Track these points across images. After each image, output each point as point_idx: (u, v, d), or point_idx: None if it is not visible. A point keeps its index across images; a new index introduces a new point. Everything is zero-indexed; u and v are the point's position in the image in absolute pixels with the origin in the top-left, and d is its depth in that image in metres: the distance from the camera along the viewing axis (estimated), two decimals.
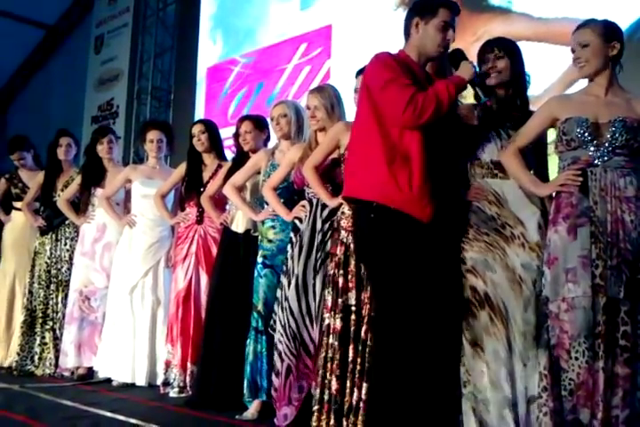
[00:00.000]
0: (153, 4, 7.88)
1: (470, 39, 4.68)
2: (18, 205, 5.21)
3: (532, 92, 3.93)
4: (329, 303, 2.98)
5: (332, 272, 3.01)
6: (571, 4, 4.13)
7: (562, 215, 2.43)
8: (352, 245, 2.94)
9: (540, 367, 2.40)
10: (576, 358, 2.31)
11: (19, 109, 10.08)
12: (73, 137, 5.09)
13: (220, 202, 4.03)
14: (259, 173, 3.69)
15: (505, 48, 2.72)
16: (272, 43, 6.18)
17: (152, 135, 4.51)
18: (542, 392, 2.37)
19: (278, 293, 3.30)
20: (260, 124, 3.89)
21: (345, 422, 2.83)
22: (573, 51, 2.55)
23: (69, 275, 4.78)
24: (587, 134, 2.42)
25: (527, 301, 2.51)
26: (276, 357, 3.20)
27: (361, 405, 2.80)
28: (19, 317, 5.00)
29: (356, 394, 2.83)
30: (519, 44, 4.32)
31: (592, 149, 2.41)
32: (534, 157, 2.66)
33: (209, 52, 6.98)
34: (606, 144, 2.40)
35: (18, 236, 5.20)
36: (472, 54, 2.91)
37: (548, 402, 2.34)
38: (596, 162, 2.41)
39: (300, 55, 5.86)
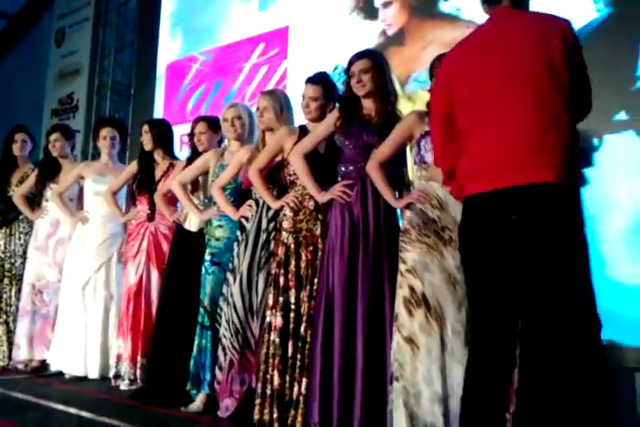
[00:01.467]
0: None
1: (420, 45, 4.84)
2: None
3: None
4: (270, 301, 3.12)
5: (273, 271, 3.15)
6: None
7: None
8: (292, 246, 3.09)
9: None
10: None
11: None
12: (28, 133, 5.13)
13: (172, 200, 4.13)
14: (207, 172, 3.80)
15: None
16: (231, 41, 6.26)
17: (105, 132, 4.60)
18: None
19: (224, 289, 3.43)
20: (214, 125, 3.98)
21: (285, 415, 2.97)
22: None
23: (23, 269, 4.85)
24: None
25: (461, 302, 2.65)
26: (219, 351, 3.33)
27: (301, 399, 2.95)
28: None
29: (296, 389, 2.98)
30: None
31: None
32: (397, 167, 2.95)
33: (169, 48, 7.04)
34: None
35: None
36: (424, 61, 3.08)
37: None
38: None
39: (257, 55, 5.96)
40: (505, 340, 2.18)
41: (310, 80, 3.35)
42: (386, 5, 5.13)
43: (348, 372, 2.85)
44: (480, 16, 4.49)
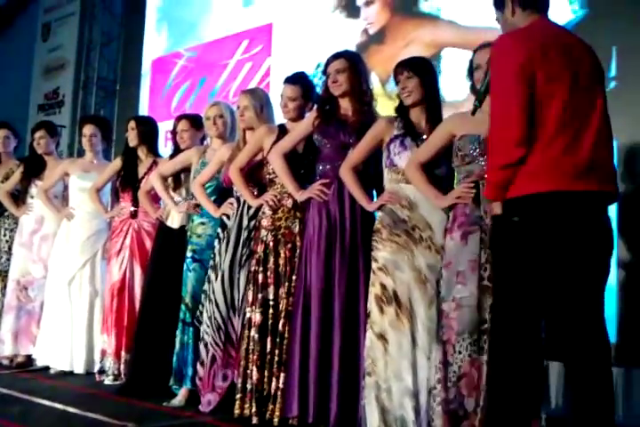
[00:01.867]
0: None
1: (400, 43, 4.89)
2: None
3: (457, 96, 4.18)
4: (250, 298, 3.21)
5: (253, 269, 3.23)
6: (493, 14, 4.35)
7: (457, 224, 2.67)
8: (271, 244, 3.17)
9: (436, 361, 2.64)
10: (459, 353, 2.55)
11: None
12: (11, 128, 5.17)
13: (156, 197, 4.19)
14: (189, 169, 3.86)
15: (413, 68, 2.92)
16: (215, 38, 6.28)
17: (86, 130, 4.66)
18: (437, 384, 2.61)
19: (206, 286, 3.50)
20: (196, 123, 4.04)
21: (264, 409, 3.05)
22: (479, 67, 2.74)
23: (8, 265, 4.89)
24: (478, 150, 2.64)
25: (431, 299, 2.74)
26: (201, 347, 3.41)
27: (278, 393, 3.03)
28: None
29: (274, 384, 3.06)
30: (445, 50, 4.61)
31: (483, 163, 2.63)
32: (446, 166, 2.85)
33: (154, 43, 7.06)
34: None
35: None
36: (401, 58, 3.11)
37: (441, 392, 2.58)
38: (486, 175, 2.63)
39: (241, 51, 5.98)
40: (533, 340, 2.24)
41: (288, 80, 3.41)
42: (367, 4, 5.17)
43: (325, 367, 2.93)
44: (459, 16, 4.58)
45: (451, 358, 2.57)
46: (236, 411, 3.13)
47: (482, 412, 2.49)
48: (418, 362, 2.73)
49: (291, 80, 3.40)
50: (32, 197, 4.86)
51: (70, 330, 4.45)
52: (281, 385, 3.04)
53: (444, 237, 2.74)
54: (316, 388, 2.92)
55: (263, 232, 3.25)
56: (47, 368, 4.50)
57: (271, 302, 3.16)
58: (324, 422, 2.91)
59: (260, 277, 3.20)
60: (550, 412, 2.72)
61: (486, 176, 2.36)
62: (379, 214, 2.92)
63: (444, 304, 2.63)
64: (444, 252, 2.70)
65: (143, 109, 6.97)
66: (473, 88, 2.78)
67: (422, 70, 2.93)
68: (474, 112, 2.52)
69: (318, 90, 3.41)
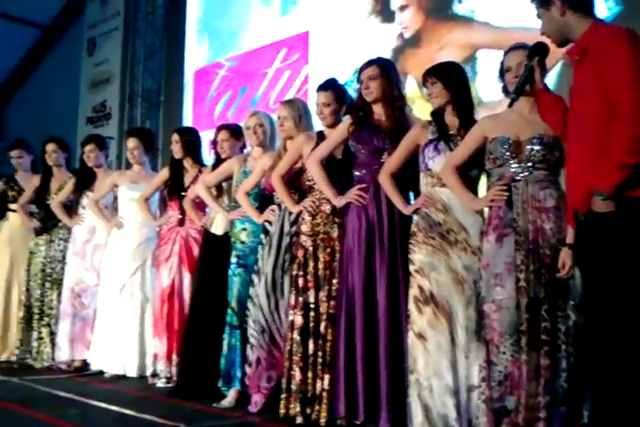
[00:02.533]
0: (142, 8, 8.10)
1: (435, 46, 4.94)
2: (13, 206, 5.51)
3: (493, 97, 4.20)
4: (292, 301, 3.30)
5: (294, 273, 3.33)
6: (529, 14, 4.36)
7: (492, 227, 2.71)
8: (310, 249, 3.26)
9: (479, 360, 2.69)
10: (503, 353, 2.58)
11: (16, 109, 10.30)
12: (59, 142, 5.34)
13: (201, 205, 4.31)
14: (231, 177, 3.97)
15: (437, 74, 2.98)
16: (255, 47, 6.43)
17: (129, 143, 4.83)
18: (481, 382, 2.66)
19: (251, 290, 3.60)
20: (236, 132, 4.14)
21: (309, 410, 3.14)
22: (509, 69, 2.78)
23: (63, 274, 5.07)
24: (509, 153, 2.68)
25: (469, 299, 2.80)
26: (248, 349, 3.52)
27: (324, 394, 3.11)
28: (14, 313, 5.34)
29: (318, 385, 3.15)
30: (480, 51, 4.64)
31: (514, 165, 2.68)
32: (478, 169, 2.90)
33: (196, 54, 7.24)
34: (526, 160, 2.66)
35: (14, 235, 5.48)
36: (437, 60, 3.18)
37: (485, 391, 2.63)
38: (518, 177, 2.67)
39: (280, 60, 6.11)
40: None
41: (320, 87, 3.50)
42: (402, 9, 5.24)
43: (371, 367, 3.00)
44: (493, 18, 4.60)
45: (495, 358, 2.61)
46: (282, 411, 3.22)
47: (525, 410, 2.53)
48: (458, 361, 2.78)
49: (322, 87, 3.49)
50: (84, 208, 5.03)
51: (122, 335, 4.60)
52: (326, 386, 3.12)
53: (481, 239, 2.79)
54: (364, 388, 2.99)
55: (303, 237, 3.34)
56: (102, 372, 4.66)
57: (312, 306, 3.25)
58: (372, 421, 2.98)
59: (301, 281, 3.29)
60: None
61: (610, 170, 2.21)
62: (415, 218, 2.99)
63: (485, 305, 2.67)
64: (482, 253, 2.75)
65: (187, 119, 7.15)
66: (505, 89, 2.81)
67: (446, 75, 2.98)
68: (511, 104, 2.59)
69: (353, 95, 3.49)
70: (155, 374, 4.31)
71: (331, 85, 3.48)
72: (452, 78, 2.98)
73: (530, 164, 2.66)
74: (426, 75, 3.01)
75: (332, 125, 3.44)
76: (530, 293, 2.57)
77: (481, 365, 2.67)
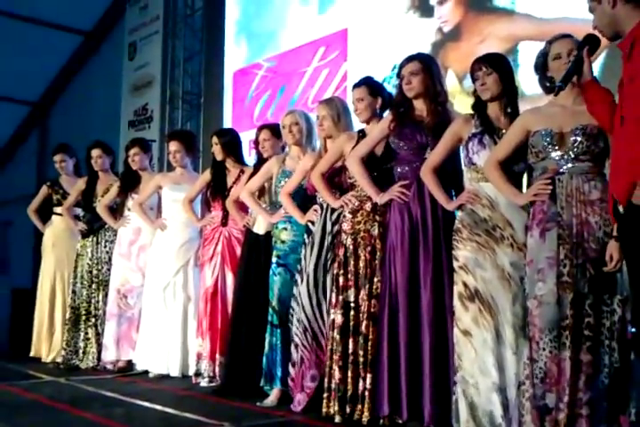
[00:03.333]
0: (181, 11, 8.17)
1: (476, 40, 4.86)
2: (58, 210, 5.61)
3: (536, 90, 4.12)
4: (332, 300, 3.28)
5: (335, 272, 3.31)
6: (571, 4, 4.27)
7: (535, 221, 2.65)
8: (351, 247, 3.23)
9: (524, 357, 2.64)
10: (543, 349, 2.53)
11: (60, 115, 10.50)
12: (103, 147, 5.42)
13: (243, 205, 4.31)
14: (271, 178, 3.97)
15: (492, 64, 2.91)
16: (292, 46, 6.42)
17: (170, 147, 4.87)
18: (526, 380, 2.61)
19: (294, 289, 3.59)
20: (277, 132, 4.12)
21: (348, 409, 3.12)
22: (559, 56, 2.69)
23: (109, 275, 5.14)
24: (551, 145, 2.62)
25: (515, 296, 2.74)
26: (292, 348, 3.52)
27: (366, 394, 3.09)
28: (59, 315, 5.44)
29: (360, 384, 3.12)
30: (522, 43, 4.55)
31: (557, 158, 2.61)
32: (523, 162, 2.83)
33: (234, 55, 7.27)
34: (569, 152, 2.60)
35: (58, 239, 5.60)
36: (478, 54, 3.12)
37: (529, 388, 2.58)
38: (562, 170, 2.61)
39: (318, 58, 6.09)
40: None
41: (354, 85, 3.51)
42: (441, 2, 5.18)
43: (415, 365, 2.97)
44: (535, 9, 4.51)
45: (536, 355, 2.56)
46: (324, 410, 3.22)
47: (566, 407, 2.47)
48: (504, 358, 2.73)
49: (356, 84, 3.49)
50: (129, 210, 5.10)
51: (165, 335, 4.65)
52: (368, 386, 3.09)
53: (526, 235, 2.73)
54: (408, 386, 2.97)
55: (344, 236, 3.32)
56: (146, 372, 4.72)
57: (352, 304, 3.22)
58: (416, 419, 2.94)
59: (341, 279, 3.27)
60: None
61: None
62: (459, 214, 2.93)
63: (528, 302, 2.63)
64: (527, 249, 2.69)
65: (227, 120, 7.19)
66: (542, 80, 2.75)
67: (500, 66, 2.92)
68: (557, 93, 2.53)
69: (392, 91, 3.45)
70: (198, 374, 4.33)
71: (363, 81, 3.48)
72: (505, 70, 2.93)
73: (573, 155, 2.60)
74: (479, 64, 2.92)
75: (368, 120, 3.42)
76: (574, 287, 2.51)
77: (524, 362, 2.63)
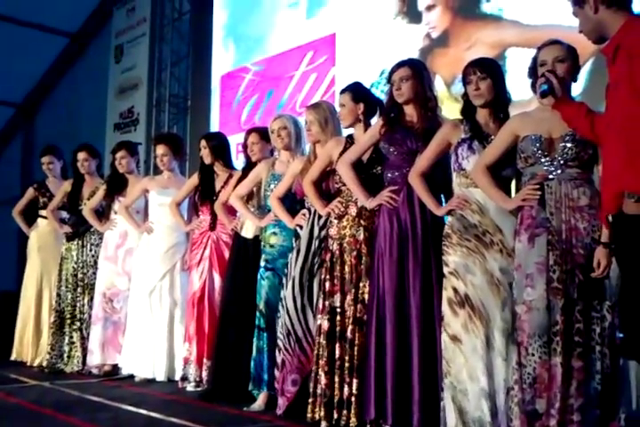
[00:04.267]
0: (169, 14, 8.15)
1: (464, 46, 4.89)
2: (44, 213, 5.57)
3: (523, 96, 4.15)
4: (319, 305, 3.29)
5: (322, 277, 3.32)
6: (558, 11, 4.30)
7: (524, 226, 2.66)
8: (337, 252, 3.23)
9: (512, 362, 2.64)
10: (532, 355, 2.54)
11: (46, 116, 10.43)
12: (89, 150, 5.38)
13: (231, 209, 4.30)
14: (261, 182, 3.96)
15: (486, 69, 2.91)
16: (280, 51, 6.42)
17: (157, 150, 4.85)
18: (514, 385, 2.61)
19: (281, 293, 3.59)
20: (265, 135, 4.11)
21: (336, 415, 3.12)
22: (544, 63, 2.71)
23: (94, 278, 5.11)
24: (540, 151, 2.63)
25: (505, 301, 2.75)
26: (277, 352, 3.51)
27: (352, 399, 3.09)
28: (45, 318, 5.40)
29: (346, 389, 3.12)
30: (509, 50, 4.58)
31: (546, 163, 2.63)
32: (512, 167, 2.84)
33: (222, 59, 7.26)
34: (559, 158, 2.61)
35: (44, 242, 5.57)
36: (466, 60, 3.13)
37: (518, 393, 2.58)
38: (550, 176, 2.62)
39: (306, 63, 6.10)
40: None
41: (344, 89, 3.53)
42: (429, 8, 5.20)
43: (403, 370, 2.97)
44: (523, 15, 4.54)
45: (524, 360, 2.57)
46: (309, 415, 3.21)
47: (557, 413, 2.47)
48: (494, 363, 2.74)
49: (346, 88, 3.52)
50: (115, 213, 5.07)
51: (151, 339, 4.62)
52: (354, 391, 3.09)
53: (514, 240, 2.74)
54: (394, 391, 2.96)
55: (330, 241, 3.33)
56: (132, 376, 4.69)
57: (338, 310, 3.22)
58: (404, 424, 2.94)
59: (328, 284, 3.28)
60: (630, 413, 2.67)
61: None
62: (448, 219, 2.94)
63: (517, 307, 2.63)
64: (514, 255, 2.70)
65: (214, 124, 7.18)
66: (534, 85, 2.76)
67: (494, 71, 2.93)
68: (544, 96, 2.53)
69: (382, 97, 3.47)
70: (184, 378, 4.32)
71: (348, 88, 3.50)
72: (499, 76, 2.94)
73: (562, 162, 2.61)
74: (473, 68, 2.91)
75: (350, 126, 3.45)
76: (564, 293, 2.52)
77: (513, 367, 2.63)
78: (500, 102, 2.95)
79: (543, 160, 2.64)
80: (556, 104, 2.59)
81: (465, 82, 2.95)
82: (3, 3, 8.14)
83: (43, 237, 5.59)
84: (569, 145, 2.60)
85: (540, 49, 2.74)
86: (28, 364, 5.42)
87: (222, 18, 7.40)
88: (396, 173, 3.17)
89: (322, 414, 3.14)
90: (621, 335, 2.52)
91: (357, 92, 3.46)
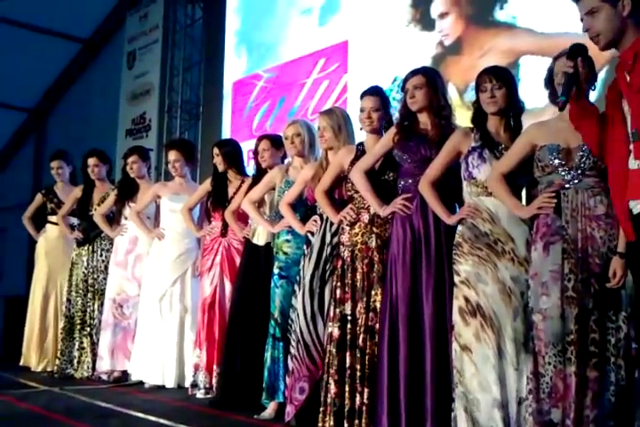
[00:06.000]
0: (181, 20, 8.19)
1: (477, 54, 4.88)
2: (52, 219, 5.58)
3: (537, 104, 4.13)
4: (330, 313, 3.27)
5: (333, 284, 3.30)
6: (572, 19, 4.28)
7: (539, 235, 2.65)
8: (348, 260, 3.21)
9: (527, 372, 2.62)
10: (549, 364, 2.52)
11: (58, 122, 10.47)
12: (100, 156, 5.39)
13: (242, 216, 4.30)
14: (274, 188, 3.95)
15: (501, 77, 2.89)
16: (292, 58, 6.44)
17: (170, 156, 4.85)
18: (528, 394, 2.59)
19: (293, 300, 3.57)
20: (276, 142, 4.12)
21: (346, 424, 3.08)
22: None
23: (105, 284, 5.11)
24: (557, 160, 2.62)
25: (516, 310, 2.73)
26: (289, 359, 3.48)
27: (364, 408, 3.06)
28: (51, 324, 5.41)
29: (357, 399, 3.09)
30: (523, 58, 4.57)
31: (563, 173, 2.61)
32: (526, 176, 2.82)
33: (234, 66, 7.28)
34: (576, 168, 2.60)
35: (51, 247, 5.59)
36: (479, 68, 3.12)
37: (532, 403, 2.56)
38: (567, 185, 2.61)
39: (318, 70, 6.10)
40: None
41: (368, 92, 3.44)
42: (442, 16, 5.20)
43: (416, 379, 2.94)
44: (536, 23, 4.53)
45: (542, 370, 2.54)
46: (319, 424, 3.18)
47: (572, 423, 2.45)
48: (506, 373, 2.71)
49: (371, 92, 3.43)
50: (126, 219, 5.07)
51: (161, 346, 4.61)
52: (365, 400, 3.06)
53: (529, 249, 2.72)
54: (407, 400, 2.93)
55: (341, 248, 3.31)
56: (141, 383, 4.68)
57: (349, 318, 3.20)
58: None
59: (339, 292, 3.26)
60: None
61: None
62: (459, 228, 2.91)
63: (533, 316, 2.61)
64: (530, 263, 2.69)
65: (225, 130, 7.19)
66: (552, 96, 2.75)
67: (509, 80, 2.92)
68: (562, 108, 2.49)
69: (395, 104, 3.45)
70: (194, 385, 4.29)
71: (379, 91, 3.45)
72: (512, 85, 2.93)
73: (580, 171, 2.59)
74: (488, 75, 2.89)
75: (377, 131, 3.38)
76: (579, 303, 2.50)
77: (528, 376, 2.61)
78: (512, 111, 2.94)
79: (560, 169, 2.62)
80: (572, 97, 2.49)
81: (478, 89, 2.93)
82: (17, 9, 8.20)
83: (50, 242, 5.60)
84: (587, 155, 2.58)
85: (556, 59, 2.73)
86: (33, 368, 5.42)
87: (235, 24, 7.42)
88: (410, 181, 3.14)
89: (332, 423, 3.12)
90: (636, 346, 2.50)
91: (387, 100, 3.42)
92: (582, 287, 2.51)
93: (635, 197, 2.28)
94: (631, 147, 2.29)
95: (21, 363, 5.52)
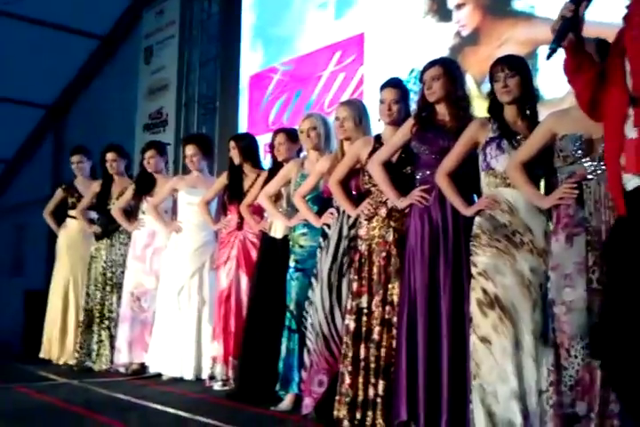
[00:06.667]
0: (198, 15, 8.19)
1: (495, 44, 4.83)
2: (72, 213, 5.62)
3: (555, 94, 4.07)
4: (348, 306, 3.26)
5: (350, 277, 3.30)
6: (590, 8, 4.23)
7: (561, 226, 2.61)
8: (366, 253, 3.20)
9: (547, 364, 2.60)
10: (575, 357, 2.48)
11: (76, 117, 10.54)
12: (118, 150, 5.43)
13: (258, 209, 4.31)
14: (290, 182, 3.95)
15: (514, 66, 2.87)
16: (309, 51, 6.41)
17: (187, 150, 4.86)
18: (549, 387, 2.56)
19: (310, 293, 3.57)
20: (292, 136, 4.11)
21: (358, 415, 3.08)
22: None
23: (123, 278, 5.14)
24: (580, 151, 2.58)
25: (535, 302, 2.70)
26: (305, 352, 3.48)
27: (378, 400, 3.05)
28: (72, 317, 5.44)
29: (371, 391, 3.08)
30: (541, 47, 4.51)
31: (586, 164, 2.58)
32: (544, 166, 2.79)
33: (251, 60, 7.27)
34: (599, 158, 2.55)
35: (72, 242, 5.61)
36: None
37: (553, 396, 2.53)
38: (590, 176, 2.56)
39: (335, 62, 6.07)
40: None
41: (389, 84, 3.41)
42: (459, 7, 5.15)
43: (433, 372, 2.93)
44: (554, 13, 4.47)
45: (565, 362, 2.51)
46: (335, 413, 3.18)
47: (597, 417, 2.42)
48: (524, 365, 2.69)
49: (391, 83, 3.41)
50: (143, 213, 5.10)
51: (179, 338, 4.63)
52: (380, 393, 3.05)
53: (549, 240, 2.69)
54: (425, 392, 2.92)
55: (359, 242, 3.30)
56: (159, 375, 4.70)
57: (365, 311, 3.19)
58: (433, 425, 2.90)
59: (355, 285, 3.25)
60: None
61: None
62: (477, 220, 2.88)
63: (555, 308, 2.57)
64: (551, 254, 2.65)
65: (242, 124, 7.18)
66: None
67: (523, 68, 2.90)
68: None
69: (412, 96, 3.43)
70: (212, 377, 4.33)
71: (399, 83, 3.44)
72: (527, 73, 2.90)
73: (602, 162, 2.54)
74: (501, 64, 2.87)
75: (397, 123, 3.33)
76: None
77: (549, 369, 2.58)
78: (527, 99, 2.91)
79: (583, 160, 2.59)
80: (570, 44, 2.33)
81: (492, 79, 2.91)
82: (34, 6, 8.25)
83: (71, 236, 5.64)
84: None
85: None
86: (54, 362, 5.46)
87: (251, 19, 7.41)
88: (428, 173, 3.12)
89: (344, 413, 3.12)
90: None
91: (406, 92, 3.40)
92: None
93: (629, 171, 2.16)
94: (630, 112, 2.14)
95: (41, 355, 5.57)
